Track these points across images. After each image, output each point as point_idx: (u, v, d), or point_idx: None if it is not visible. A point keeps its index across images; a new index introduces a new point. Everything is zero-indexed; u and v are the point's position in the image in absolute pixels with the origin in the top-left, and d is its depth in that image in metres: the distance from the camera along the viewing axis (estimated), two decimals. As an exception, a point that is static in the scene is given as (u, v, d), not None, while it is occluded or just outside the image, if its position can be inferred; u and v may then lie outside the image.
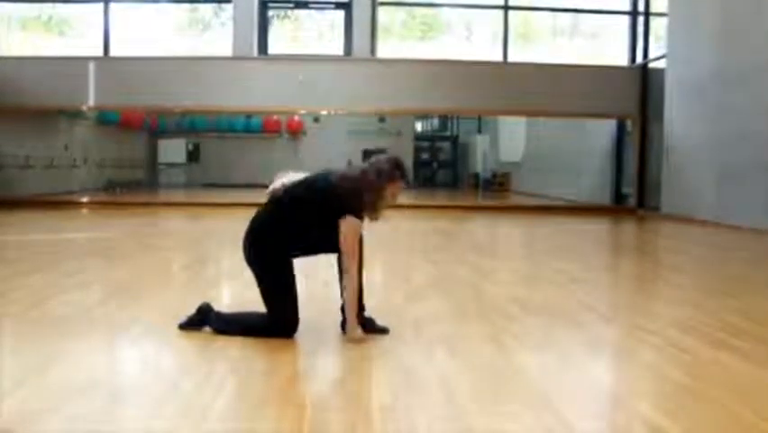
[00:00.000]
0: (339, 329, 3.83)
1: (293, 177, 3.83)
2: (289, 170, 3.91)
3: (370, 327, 3.82)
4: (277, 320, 3.70)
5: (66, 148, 18.56)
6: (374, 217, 3.75)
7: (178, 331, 3.79)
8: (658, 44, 15.31)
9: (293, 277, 3.72)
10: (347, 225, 3.62)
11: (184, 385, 3.02)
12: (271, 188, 3.79)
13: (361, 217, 3.66)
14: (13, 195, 14.76)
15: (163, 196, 19.50)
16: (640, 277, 6.94)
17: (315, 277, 5.26)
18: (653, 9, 15.39)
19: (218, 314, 3.84)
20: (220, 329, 3.77)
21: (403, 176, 3.76)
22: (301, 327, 3.79)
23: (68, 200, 15.40)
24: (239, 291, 5.41)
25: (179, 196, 19.28)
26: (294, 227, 3.70)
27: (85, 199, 15.81)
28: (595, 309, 4.82)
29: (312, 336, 3.78)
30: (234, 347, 3.56)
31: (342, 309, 3.82)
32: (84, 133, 19.76)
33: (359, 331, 3.70)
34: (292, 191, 3.74)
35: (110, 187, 20.30)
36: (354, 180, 3.69)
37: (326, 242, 3.71)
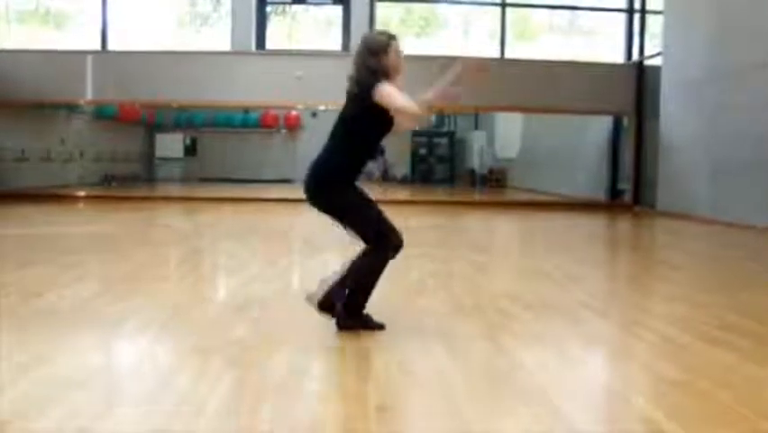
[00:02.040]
0: (335, 327, 3.80)
1: None
2: None
3: (367, 324, 3.83)
4: (383, 241, 3.71)
5: (62, 142, 18.53)
6: (396, 76, 3.74)
7: (174, 325, 3.79)
8: (654, 42, 15.33)
9: (367, 198, 3.75)
10: (379, 91, 3.58)
11: (179, 380, 3.03)
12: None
13: (388, 79, 3.66)
14: (9, 188, 14.74)
15: (160, 190, 19.46)
16: (636, 273, 6.97)
17: (312, 274, 5.26)
18: (649, 7, 15.40)
19: (337, 292, 3.79)
20: (347, 305, 3.77)
21: (391, 36, 3.80)
22: (297, 323, 3.80)
23: (65, 194, 15.37)
24: (235, 285, 5.42)
25: (176, 190, 19.26)
26: (342, 149, 3.73)
27: (81, 193, 15.78)
28: (591, 306, 4.83)
29: (308, 333, 3.79)
30: (233, 341, 3.57)
31: (343, 304, 3.80)
32: (81, 127, 19.72)
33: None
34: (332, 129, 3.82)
35: (105, 180, 20.27)
36: (360, 70, 3.72)
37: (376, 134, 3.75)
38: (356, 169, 3.77)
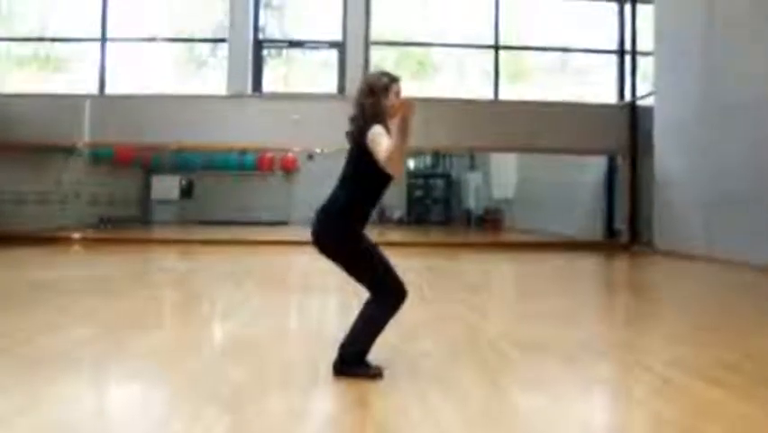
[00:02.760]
0: (331, 370, 3.79)
1: None
2: None
3: (365, 369, 3.79)
4: (388, 290, 3.71)
5: (59, 184, 18.55)
6: (390, 118, 3.72)
7: (169, 369, 3.76)
8: (646, 82, 15.53)
9: (373, 245, 3.74)
10: (372, 134, 3.57)
11: (174, 426, 3.00)
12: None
13: (382, 123, 3.65)
14: (5, 230, 14.71)
15: (156, 232, 19.45)
16: (633, 313, 6.94)
17: (309, 317, 5.24)
18: (639, 48, 15.64)
19: (342, 356, 3.76)
20: (354, 358, 3.74)
21: (392, 77, 3.82)
22: (293, 367, 3.77)
23: (60, 236, 15.34)
24: (232, 329, 5.39)
25: (172, 232, 19.24)
26: (355, 189, 3.72)
27: (77, 235, 15.75)
28: (589, 347, 4.81)
29: (306, 377, 3.76)
30: (227, 386, 3.54)
31: (342, 347, 3.78)
32: (77, 169, 19.76)
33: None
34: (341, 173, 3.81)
35: (101, 223, 20.26)
36: (358, 111, 3.74)
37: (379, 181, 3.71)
38: (362, 212, 3.75)
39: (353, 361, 3.77)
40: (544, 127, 15.33)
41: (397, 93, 3.80)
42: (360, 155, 3.68)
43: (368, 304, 3.78)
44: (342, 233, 3.69)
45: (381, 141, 3.54)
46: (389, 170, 3.54)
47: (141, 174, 25.14)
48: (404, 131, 3.42)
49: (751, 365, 4.24)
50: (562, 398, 3.56)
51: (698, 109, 12.42)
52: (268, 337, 4.90)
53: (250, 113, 15.22)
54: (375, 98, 3.72)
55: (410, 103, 3.47)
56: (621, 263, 12.57)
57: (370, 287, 3.74)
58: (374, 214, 3.91)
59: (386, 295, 3.73)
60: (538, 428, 3.03)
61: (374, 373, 3.77)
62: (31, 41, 16.77)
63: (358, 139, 3.67)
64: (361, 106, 3.75)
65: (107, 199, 21.66)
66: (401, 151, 3.45)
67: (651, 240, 14.15)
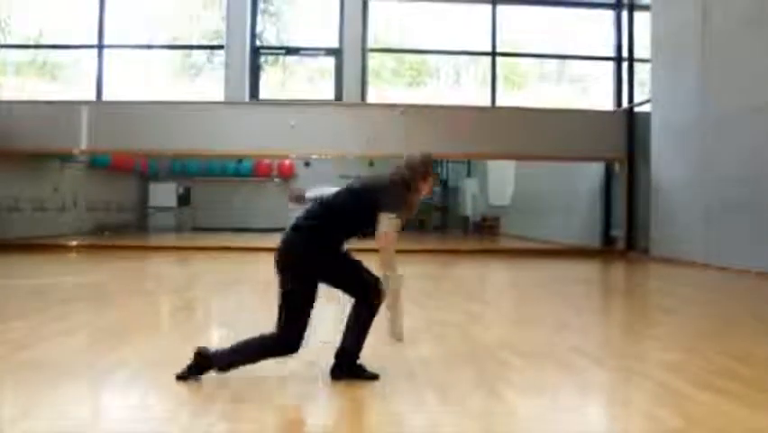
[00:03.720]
0: (329, 376, 3.79)
1: (326, 190, 3.93)
2: (323, 187, 3.95)
3: (361, 375, 3.80)
4: (287, 333, 3.67)
5: (55, 191, 18.53)
6: (409, 214, 3.81)
7: (165, 376, 3.75)
8: (643, 89, 15.56)
9: (313, 299, 3.72)
10: (385, 222, 3.64)
11: (172, 431, 2.98)
12: (290, 191, 3.87)
13: (398, 214, 3.69)
14: (2, 238, 14.68)
15: (153, 239, 19.42)
16: (630, 320, 6.94)
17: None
18: (636, 55, 15.67)
19: (216, 353, 3.77)
20: (224, 365, 3.71)
21: (434, 171, 3.88)
22: (293, 373, 3.76)
23: (57, 243, 15.31)
24: (228, 337, 5.37)
25: (169, 239, 19.21)
26: (333, 232, 3.73)
27: (73, 243, 15.72)
28: (586, 353, 4.80)
29: (304, 382, 3.75)
30: (224, 393, 3.53)
31: (337, 355, 3.80)
32: (74, 177, 19.75)
33: (400, 331, 3.75)
34: (328, 201, 3.81)
35: (98, 230, 20.22)
36: (387, 179, 3.80)
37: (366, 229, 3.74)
38: (329, 248, 3.76)
39: (349, 364, 3.80)
40: (540, 134, 15.35)
41: (428, 188, 3.90)
42: (363, 209, 3.72)
43: (352, 311, 3.84)
44: (307, 265, 3.71)
45: (390, 229, 3.65)
46: (377, 242, 3.64)
47: (139, 181, 25.11)
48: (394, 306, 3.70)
49: (749, 371, 4.23)
50: (559, 404, 3.56)
51: (695, 116, 12.45)
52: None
53: (247, 120, 15.23)
54: (414, 176, 3.81)
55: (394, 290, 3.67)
56: (618, 270, 12.57)
57: (279, 318, 3.72)
58: None
59: (279, 338, 3.70)
60: (535, 434, 3.02)
61: (370, 375, 3.80)
62: (28, 48, 16.80)
63: (378, 203, 3.69)
64: (400, 171, 3.82)
65: (104, 206, 21.63)
66: (387, 263, 3.65)
67: (648, 246, 14.15)
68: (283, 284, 3.72)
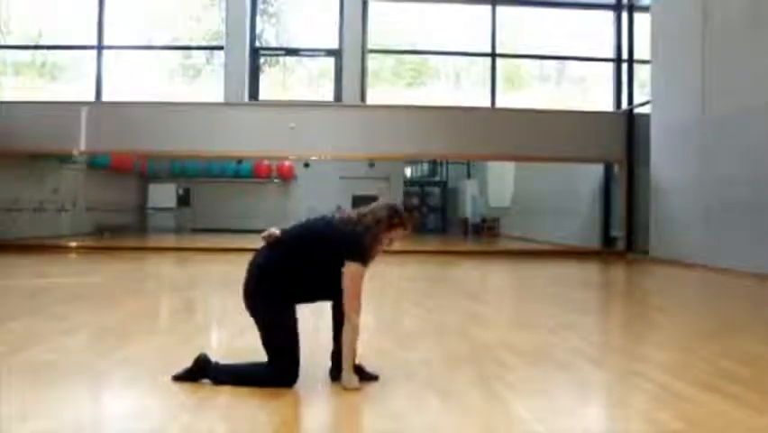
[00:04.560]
0: (328, 376, 3.79)
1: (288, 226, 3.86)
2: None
3: (360, 375, 3.79)
4: (278, 369, 3.63)
5: (55, 192, 18.52)
6: (370, 261, 3.74)
7: (165, 377, 3.74)
8: (643, 90, 15.57)
9: (296, 324, 3.68)
10: (350, 271, 3.59)
11: (171, 432, 2.98)
12: (268, 232, 3.79)
13: (364, 263, 3.65)
14: (1, 238, 14.67)
15: (153, 240, 19.41)
16: (630, 321, 6.94)
17: (303, 324, 5.21)
18: (636, 56, 15.68)
19: (217, 365, 3.76)
20: (219, 380, 3.68)
21: (401, 223, 3.76)
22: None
23: (56, 244, 15.31)
24: (227, 338, 5.36)
25: (169, 240, 19.21)
26: (296, 269, 3.66)
27: (73, 244, 15.72)
28: (586, 354, 4.79)
29: (301, 384, 3.74)
30: (223, 395, 3.52)
31: (333, 356, 3.80)
32: (73, 177, 19.75)
33: (355, 380, 3.65)
34: (292, 233, 3.76)
35: (98, 231, 20.21)
36: (354, 225, 3.70)
37: (326, 285, 3.67)
38: (292, 289, 3.70)
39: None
40: (540, 135, 15.36)
41: (393, 238, 3.79)
42: (327, 250, 3.65)
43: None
44: (279, 302, 3.68)
45: (359, 285, 3.60)
46: (346, 304, 3.60)
47: (138, 182, 25.11)
48: (349, 359, 3.63)
49: (749, 373, 4.23)
50: (558, 405, 3.55)
51: (694, 117, 12.45)
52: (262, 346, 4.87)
53: (246, 121, 15.23)
54: (376, 226, 3.70)
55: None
56: (617, 271, 12.56)
57: (267, 354, 3.68)
58: None
59: (273, 373, 3.65)
60: (535, 435, 3.01)
61: (369, 376, 3.79)
62: (27, 48, 16.80)
63: (339, 250, 3.63)
64: (360, 222, 3.71)
65: (103, 207, 21.62)
66: (355, 329, 3.60)
67: (647, 248, 14.15)
68: (258, 322, 3.71)
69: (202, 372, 3.71)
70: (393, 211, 3.76)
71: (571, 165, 16.87)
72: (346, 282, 3.60)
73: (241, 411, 3.29)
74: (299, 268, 3.67)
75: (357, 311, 3.62)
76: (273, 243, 3.75)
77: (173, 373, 3.75)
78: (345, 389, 3.62)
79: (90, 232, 19.86)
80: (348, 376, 3.64)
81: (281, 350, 3.64)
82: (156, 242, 18.63)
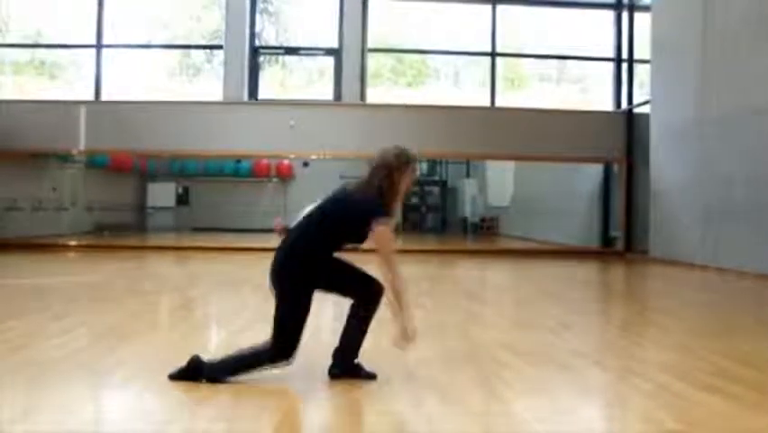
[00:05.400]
0: (327, 375, 3.79)
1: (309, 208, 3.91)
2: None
3: (358, 373, 3.79)
4: (278, 347, 3.66)
5: (54, 191, 18.51)
6: (395, 209, 3.80)
7: (164, 376, 3.74)
8: (643, 90, 15.57)
9: (309, 306, 3.71)
10: (379, 232, 3.63)
11: (171, 431, 2.98)
12: (278, 224, 3.86)
13: (387, 215, 3.70)
14: (1, 237, 14.66)
15: (152, 239, 19.40)
16: (629, 321, 6.94)
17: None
18: (636, 56, 15.68)
19: (211, 365, 3.76)
20: (216, 379, 3.69)
21: (409, 159, 3.83)
22: (290, 373, 3.75)
23: (56, 243, 15.30)
24: (226, 336, 5.36)
25: (168, 239, 19.19)
26: (324, 241, 3.73)
27: (72, 243, 15.71)
28: (585, 354, 4.79)
29: (301, 383, 3.75)
30: (222, 394, 3.52)
31: (335, 354, 3.80)
32: (73, 176, 19.73)
33: (413, 332, 3.75)
34: (314, 211, 3.80)
35: (97, 230, 20.20)
36: (370, 186, 3.75)
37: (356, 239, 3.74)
38: (320, 262, 3.75)
39: (347, 364, 3.81)
40: (540, 135, 15.36)
41: (413, 172, 3.84)
42: (353, 221, 3.70)
43: (352, 314, 3.84)
44: (297, 278, 3.70)
45: (393, 244, 3.68)
46: (382, 266, 3.65)
47: (137, 181, 25.08)
48: (397, 309, 3.71)
49: (748, 373, 4.23)
50: (558, 405, 3.55)
51: (694, 117, 12.45)
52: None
53: (246, 120, 15.22)
54: (389, 176, 3.75)
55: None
56: (617, 271, 12.57)
57: (274, 327, 3.70)
58: None
59: (273, 347, 3.68)
60: (535, 435, 3.01)
61: (368, 375, 3.80)
62: (26, 47, 16.79)
63: (362, 211, 3.68)
64: (372, 179, 3.77)
65: (103, 206, 21.59)
66: (393, 283, 3.66)
67: (646, 247, 14.15)
68: (278, 296, 3.72)
69: (197, 372, 3.71)
70: (398, 151, 3.85)
71: (570, 165, 16.86)
72: (379, 243, 3.64)
73: (240, 411, 3.29)
74: (327, 239, 3.74)
75: (395, 266, 3.65)
76: (301, 223, 3.79)
77: (169, 372, 3.74)
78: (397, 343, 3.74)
79: (89, 231, 19.84)
80: (403, 329, 3.72)
81: (286, 325, 3.66)
82: (155, 241, 18.62)
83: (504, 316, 7.12)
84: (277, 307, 3.71)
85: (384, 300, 3.75)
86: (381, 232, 3.64)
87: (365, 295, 3.78)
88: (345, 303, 3.89)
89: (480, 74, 16.68)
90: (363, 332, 3.84)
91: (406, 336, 3.72)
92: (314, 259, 3.71)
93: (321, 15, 16.49)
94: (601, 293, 10.08)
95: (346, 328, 3.84)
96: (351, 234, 3.74)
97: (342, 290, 3.85)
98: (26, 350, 4.51)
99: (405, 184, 3.81)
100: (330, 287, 3.82)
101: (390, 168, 3.76)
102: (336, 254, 3.80)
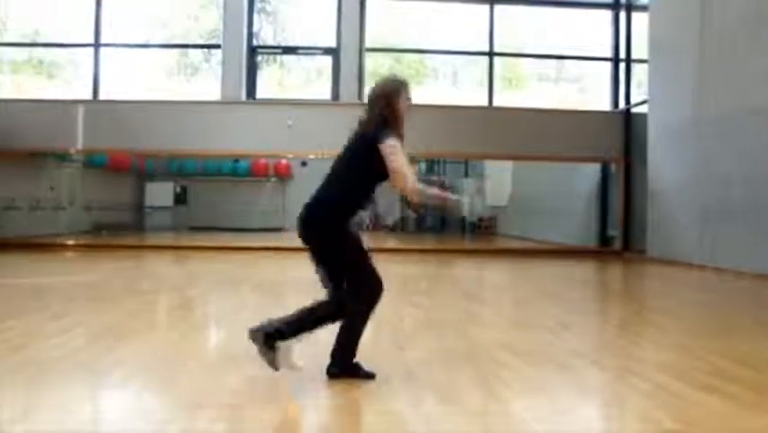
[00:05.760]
0: (325, 375, 3.79)
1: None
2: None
3: (357, 373, 3.79)
4: (366, 285, 3.76)
5: (52, 190, 18.49)
6: (400, 134, 3.82)
7: (163, 376, 3.74)
8: (640, 89, 15.58)
9: (357, 241, 3.79)
10: (385, 147, 3.68)
11: (170, 431, 2.98)
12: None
13: (396, 137, 3.75)
14: (-1, 237, 14.66)
15: (150, 239, 19.39)
16: (627, 320, 6.95)
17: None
18: (634, 56, 15.69)
19: (285, 321, 3.78)
20: (346, 357, 3.77)
21: (402, 82, 3.92)
22: (290, 373, 3.76)
23: (54, 243, 15.28)
24: (225, 336, 5.37)
25: (166, 239, 19.17)
26: (349, 187, 3.79)
27: (70, 242, 15.69)
28: (583, 354, 4.80)
29: (301, 383, 3.75)
30: (222, 393, 3.53)
31: (333, 354, 3.80)
32: (71, 176, 19.70)
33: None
34: (334, 164, 3.92)
35: (95, 229, 20.17)
36: (370, 118, 3.84)
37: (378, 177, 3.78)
38: (353, 208, 3.82)
39: (345, 363, 3.79)
40: (538, 134, 15.36)
41: (407, 98, 3.88)
42: (366, 155, 3.74)
43: (347, 310, 3.82)
44: (331, 227, 3.75)
45: (399, 156, 3.68)
46: (396, 184, 3.69)
47: (135, 180, 25.05)
48: (436, 199, 3.85)
49: (746, 373, 4.24)
50: (556, 404, 3.56)
51: (692, 116, 12.46)
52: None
53: (244, 119, 15.21)
54: (388, 104, 3.82)
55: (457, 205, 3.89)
56: (614, 270, 12.58)
57: (348, 282, 3.76)
58: (369, 221, 3.96)
59: (364, 295, 3.76)
60: (533, 435, 3.02)
61: (366, 374, 3.80)
62: (24, 46, 16.77)
63: (369, 141, 3.74)
64: (373, 111, 3.84)
65: (101, 206, 21.57)
66: (414, 193, 3.72)
67: (644, 247, 14.17)
68: (328, 254, 3.78)
69: (268, 337, 3.72)
70: (389, 79, 4.00)
71: (568, 164, 16.87)
72: (388, 158, 3.68)
73: (240, 411, 3.30)
74: (356, 192, 3.82)
75: (410, 180, 3.68)
76: (326, 179, 3.89)
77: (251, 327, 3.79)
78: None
79: (87, 230, 19.82)
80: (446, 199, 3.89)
81: (360, 271, 3.78)
82: (153, 240, 18.61)
83: (502, 315, 7.13)
84: (329, 265, 3.77)
85: (411, 213, 3.84)
86: (386, 145, 3.69)
87: (360, 291, 3.79)
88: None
89: (479, 74, 16.69)
90: (359, 330, 3.81)
91: (453, 203, 3.90)
92: (343, 207, 3.77)
93: (319, 15, 16.48)
94: (599, 293, 10.09)
95: (343, 326, 3.83)
96: (369, 170, 3.75)
97: (349, 269, 3.83)
98: (25, 350, 4.51)
99: (404, 106, 3.87)
100: (339, 259, 3.81)
101: (388, 96, 3.84)
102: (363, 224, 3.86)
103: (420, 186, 3.73)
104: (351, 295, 3.78)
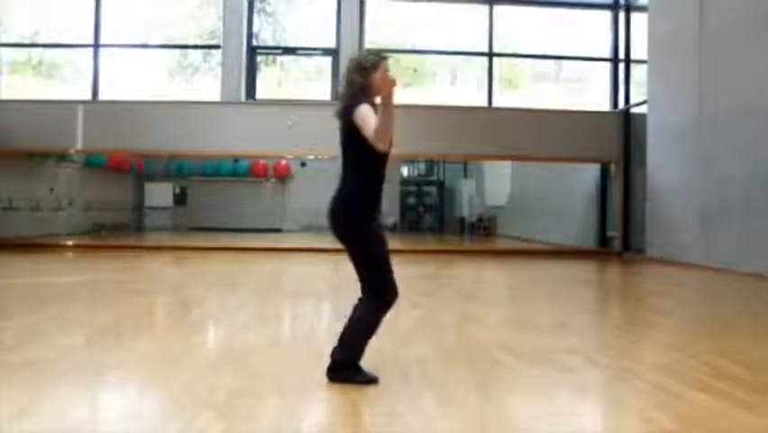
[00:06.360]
0: (325, 377, 3.79)
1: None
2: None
3: (359, 377, 3.77)
4: (382, 289, 3.72)
5: (51, 191, 18.49)
6: (378, 95, 3.66)
7: (162, 376, 3.74)
8: (639, 90, 15.58)
9: (381, 241, 3.77)
10: (356, 118, 3.61)
11: (169, 431, 2.98)
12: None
13: (366, 103, 3.66)
14: (-2, 237, 14.66)
15: (149, 239, 19.39)
16: (626, 321, 6.94)
17: (303, 323, 5.22)
18: (633, 56, 15.70)
19: (339, 357, 3.77)
20: (348, 360, 3.75)
21: (381, 56, 3.83)
22: (286, 374, 3.76)
23: (53, 243, 15.28)
24: (223, 335, 5.36)
25: (165, 239, 19.17)
26: (359, 171, 3.75)
27: (69, 242, 15.69)
28: (582, 354, 4.80)
29: (301, 383, 3.75)
30: (221, 393, 3.53)
31: (333, 353, 3.78)
32: (70, 176, 19.71)
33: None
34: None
35: (94, 230, 20.18)
36: (349, 92, 3.77)
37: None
38: (369, 192, 3.76)
39: (347, 366, 3.77)
40: (537, 135, 15.36)
41: (386, 70, 3.76)
42: (350, 135, 3.70)
43: (357, 307, 3.79)
44: (355, 218, 3.72)
45: (368, 119, 3.56)
46: (378, 145, 3.54)
47: (135, 181, 25.07)
48: (387, 106, 3.46)
49: (745, 373, 4.24)
50: (555, 405, 3.56)
51: (691, 117, 12.47)
52: (261, 344, 4.88)
53: (243, 119, 15.21)
54: (364, 75, 3.74)
55: (390, 79, 3.49)
56: (613, 270, 12.58)
57: (367, 283, 3.73)
58: (391, 220, 3.91)
59: (378, 295, 3.72)
60: (532, 435, 3.02)
61: (368, 379, 3.76)
62: (23, 46, 16.77)
63: (347, 116, 3.69)
64: (350, 83, 3.78)
65: (100, 206, 21.58)
66: (387, 125, 3.47)
67: (643, 247, 14.17)
68: (355, 248, 3.76)
69: (347, 369, 3.75)
70: (367, 51, 4.02)
71: (567, 165, 16.88)
72: (360, 122, 3.59)
73: (240, 411, 3.30)
74: (357, 172, 3.75)
75: (386, 128, 3.50)
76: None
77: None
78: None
79: (87, 231, 19.82)
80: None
81: (380, 271, 3.73)
82: (153, 240, 18.61)
83: (501, 316, 7.12)
84: (357, 263, 3.74)
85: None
86: (356, 117, 3.60)
87: (377, 293, 3.75)
88: (346, 306, 3.89)
89: (478, 74, 16.70)
90: (364, 335, 3.78)
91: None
92: (358, 192, 3.73)
93: (318, 15, 16.49)
94: (598, 293, 10.09)
95: (346, 329, 3.80)
96: (360, 147, 3.64)
97: (368, 270, 3.79)
98: (24, 350, 4.51)
99: (381, 77, 3.63)
100: (360, 254, 3.78)
101: (365, 68, 3.76)
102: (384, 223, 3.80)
103: (377, 125, 3.50)
104: (368, 294, 3.75)
